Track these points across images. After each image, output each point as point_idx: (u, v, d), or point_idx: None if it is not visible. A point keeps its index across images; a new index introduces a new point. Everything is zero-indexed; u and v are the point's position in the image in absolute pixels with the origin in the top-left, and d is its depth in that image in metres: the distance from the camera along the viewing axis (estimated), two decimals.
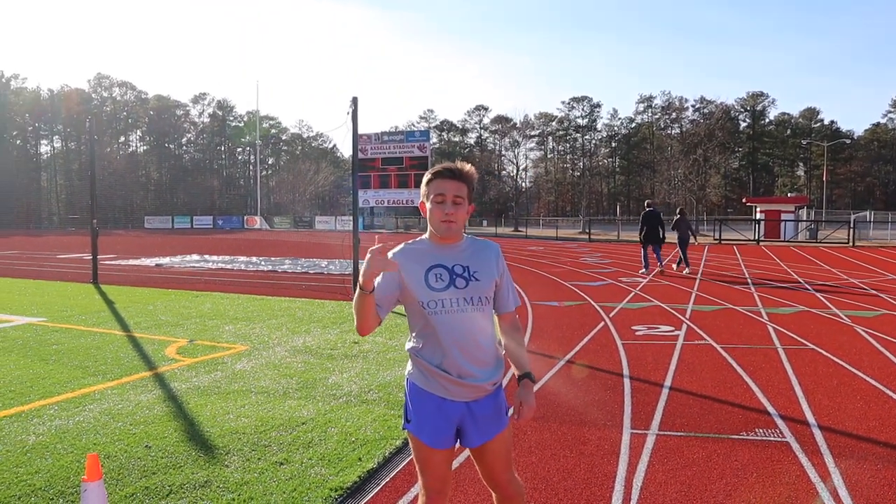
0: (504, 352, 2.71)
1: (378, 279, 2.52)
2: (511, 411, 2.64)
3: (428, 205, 2.55)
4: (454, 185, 2.51)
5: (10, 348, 7.90)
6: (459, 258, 2.57)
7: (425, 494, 2.60)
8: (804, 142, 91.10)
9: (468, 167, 2.58)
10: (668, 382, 6.35)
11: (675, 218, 18.63)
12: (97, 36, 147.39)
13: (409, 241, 2.65)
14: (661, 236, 17.15)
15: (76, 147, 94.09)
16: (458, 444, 2.63)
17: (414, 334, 2.62)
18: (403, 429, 2.66)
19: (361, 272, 2.39)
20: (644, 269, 17.30)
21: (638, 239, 17.75)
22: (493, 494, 2.76)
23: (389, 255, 2.52)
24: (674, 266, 18.30)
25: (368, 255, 2.35)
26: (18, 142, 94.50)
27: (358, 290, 2.46)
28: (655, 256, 17.33)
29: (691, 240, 18.37)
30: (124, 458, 4.37)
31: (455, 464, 4.24)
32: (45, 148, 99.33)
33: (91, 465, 2.70)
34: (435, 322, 2.51)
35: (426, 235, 2.65)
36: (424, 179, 2.59)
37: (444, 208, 2.50)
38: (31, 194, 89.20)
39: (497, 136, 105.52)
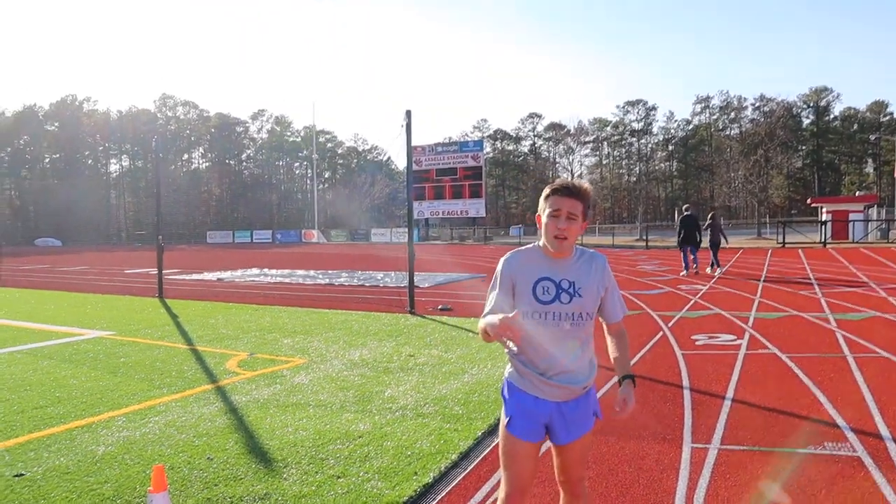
0: (611, 355, 2.91)
1: (497, 292, 2.74)
2: (595, 415, 2.87)
3: (544, 218, 2.71)
4: (570, 201, 2.67)
5: (82, 361, 8.23)
6: (567, 273, 2.73)
7: (505, 491, 2.77)
8: (872, 136, 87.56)
9: (586, 185, 2.72)
10: (729, 394, 6.17)
11: (708, 222, 19.50)
12: (162, 58, 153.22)
13: (523, 248, 2.81)
14: (698, 239, 18.31)
15: (143, 165, 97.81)
16: (545, 441, 2.83)
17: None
18: (501, 416, 2.84)
19: (492, 327, 2.49)
20: (685, 272, 18.34)
21: (676, 242, 19.14)
22: (562, 494, 2.94)
23: (502, 262, 2.77)
24: (707, 269, 18.83)
25: (501, 322, 2.43)
26: (90, 161, 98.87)
27: (483, 327, 2.61)
28: (693, 258, 18.39)
29: (723, 242, 19.35)
30: (187, 470, 4.49)
31: None
32: (114, 167, 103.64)
33: (157, 477, 2.78)
34: (535, 331, 2.67)
35: (539, 244, 2.79)
36: (543, 194, 2.75)
37: (559, 223, 2.66)
38: (101, 211, 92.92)
39: (551, 143, 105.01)
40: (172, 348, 9.06)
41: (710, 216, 19.86)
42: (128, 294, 16.92)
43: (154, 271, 16.82)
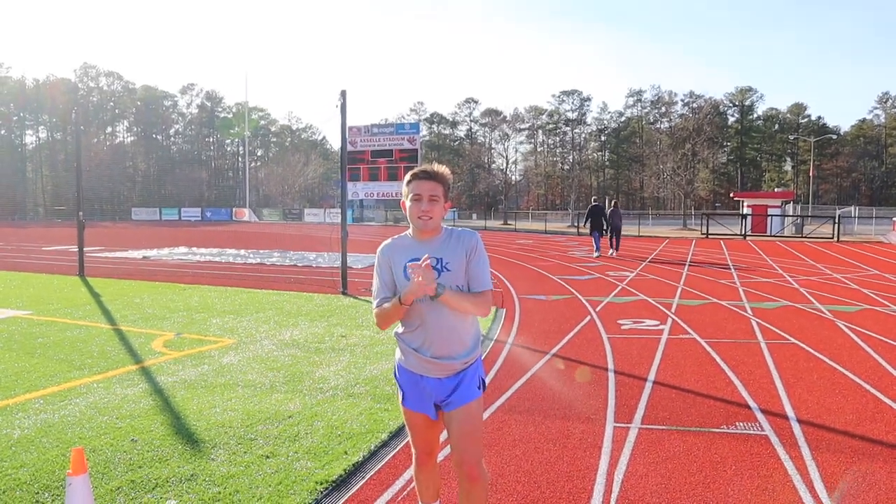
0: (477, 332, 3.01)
1: (380, 277, 2.94)
2: (482, 386, 2.99)
3: (408, 203, 2.85)
4: (430, 185, 2.82)
5: None
6: (435, 251, 2.86)
7: (414, 453, 3.14)
8: (791, 137, 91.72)
9: (442, 169, 2.89)
10: (651, 377, 6.42)
11: (610, 210, 22.19)
12: (83, 25, 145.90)
13: (396, 236, 2.97)
14: (604, 227, 21.34)
15: (62, 138, 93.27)
16: (437, 415, 3.00)
17: (400, 321, 2.94)
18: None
19: (409, 290, 2.71)
20: (597, 253, 21.06)
21: (585, 228, 22.49)
22: (459, 480, 2.94)
23: (378, 252, 2.95)
24: (609, 252, 21.41)
25: (420, 279, 2.63)
26: (2, 132, 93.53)
27: (397, 302, 2.79)
28: (595, 242, 21.40)
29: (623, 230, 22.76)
30: (110, 452, 4.39)
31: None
32: (30, 138, 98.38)
33: (76, 459, 2.72)
34: (412, 310, 2.85)
35: (409, 231, 2.95)
36: (405, 180, 2.90)
37: (421, 206, 2.81)
38: (16, 185, 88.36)
39: (487, 129, 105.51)
40: (94, 328, 8.77)
41: (612, 204, 22.96)
42: (46, 272, 16.23)
43: (74, 248, 16.18)
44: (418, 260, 2.73)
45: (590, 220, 21.30)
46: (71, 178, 66.82)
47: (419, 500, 3.26)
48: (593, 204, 21.85)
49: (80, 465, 2.71)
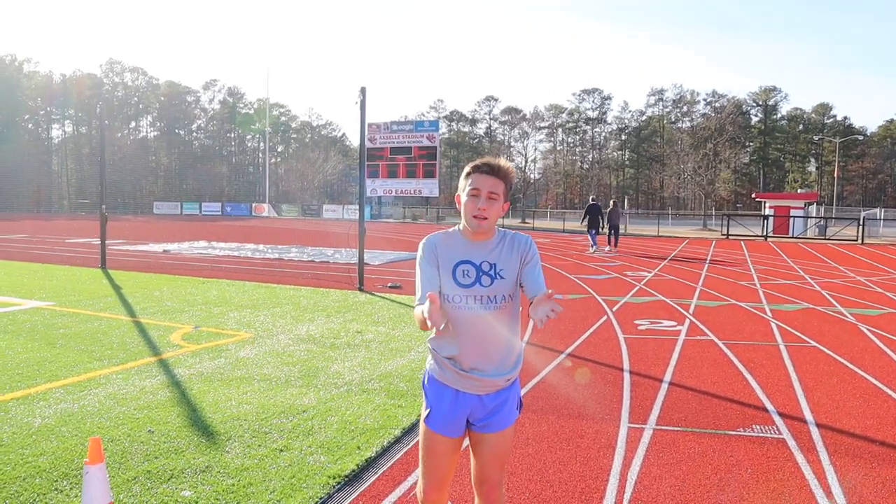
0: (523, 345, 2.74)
1: (425, 270, 2.59)
2: (519, 408, 2.73)
3: (463, 198, 2.58)
4: (491, 181, 2.55)
5: (19, 332, 8.00)
6: (489, 255, 2.59)
7: (423, 483, 2.68)
8: (816, 137, 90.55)
9: (507, 165, 2.60)
10: (667, 377, 6.38)
11: (609, 209, 23.35)
12: (109, 21, 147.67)
13: (443, 232, 2.68)
14: (601, 224, 22.62)
15: (87, 132, 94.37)
16: (465, 437, 2.70)
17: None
18: (424, 421, 2.70)
19: (426, 312, 2.28)
20: (593, 249, 22.23)
21: (583, 225, 23.23)
22: (478, 501, 2.73)
23: (424, 243, 2.62)
24: (605, 248, 22.82)
25: (430, 306, 2.26)
26: (30, 125, 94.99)
27: (419, 317, 2.41)
28: (591, 238, 22.52)
29: (621, 228, 24.76)
30: (127, 443, 4.44)
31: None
32: (56, 132, 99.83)
33: (93, 449, 2.75)
34: (455, 316, 2.55)
35: (460, 227, 2.67)
36: (464, 173, 2.62)
37: (478, 203, 2.53)
38: (42, 178, 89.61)
39: (507, 126, 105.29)
40: (114, 320, 8.88)
41: (612, 203, 24.04)
42: (69, 264, 16.45)
43: (97, 241, 16.37)
44: (470, 263, 2.56)
45: (587, 217, 22.62)
46: (95, 172, 67.72)
47: None
48: (591, 202, 23.19)
49: (97, 454, 2.74)
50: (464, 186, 2.59)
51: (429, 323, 2.24)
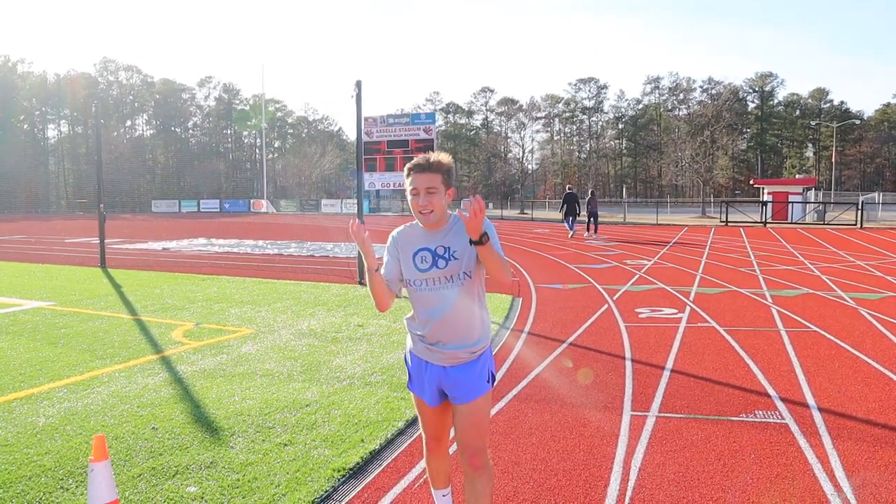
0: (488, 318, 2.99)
1: (386, 258, 2.94)
2: (491, 380, 2.96)
3: (409, 197, 2.82)
4: (426, 177, 2.75)
5: (20, 332, 8.01)
6: (442, 240, 2.83)
7: (424, 439, 3.17)
8: (813, 123, 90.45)
9: (439, 157, 2.80)
10: (669, 365, 6.39)
11: (588, 198, 25.33)
12: (103, 20, 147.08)
13: (407, 225, 2.95)
14: (578, 212, 24.54)
15: (83, 131, 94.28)
16: (441, 403, 2.99)
17: (411, 310, 2.99)
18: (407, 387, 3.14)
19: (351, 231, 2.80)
20: (572, 233, 24.21)
21: (561, 213, 24.96)
22: (464, 470, 2.91)
23: (389, 237, 2.96)
24: (584, 234, 24.52)
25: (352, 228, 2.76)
26: (25, 126, 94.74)
27: (372, 271, 2.85)
28: (568, 225, 24.41)
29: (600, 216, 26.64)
30: (132, 440, 4.45)
31: None
32: (52, 132, 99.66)
33: (98, 446, 2.76)
34: (418, 297, 2.88)
35: (419, 223, 2.89)
36: (404, 173, 2.85)
37: (419, 200, 2.76)
38: (39, 178, 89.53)
39: (503, 118, 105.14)
40: (116, 318, 8.88)
41: (590, 192, 26.13)
42: (69, 264, 16.44)
43: (96, 240, 16.37)
44: (427, 250, 2.82)
45: (565, 206, 24.46)
46: (92, 171, 67.59)
47: (431, 485, 3.29)
48: (567, 192, 25.20)
49: (101, 451, 2.74)
50: (406, 186, 2.82)
51: (353, 238, 2.81)
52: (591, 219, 24.68)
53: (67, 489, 3.74)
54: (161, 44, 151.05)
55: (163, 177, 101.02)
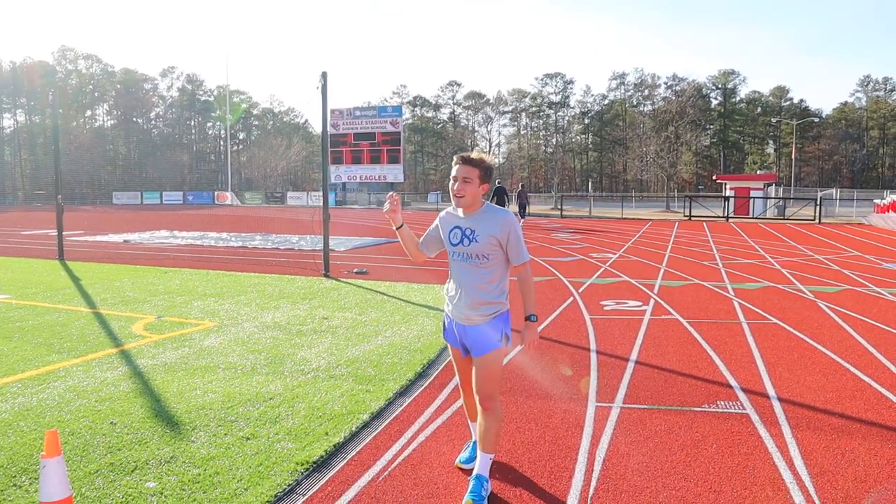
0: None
1: (431, 227, 3.75)
2: (504, 339, 3.54)
3: (450, 183, 3.51)
4: (466, 168, 3.45)
5: None
6: (471, 223, 3.52)
7: (459, 382, 3.87)
8: (774, 120, 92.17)
9: (481, 155, 3.50)
10: (634, 356, 6.45)
11: (518, 191, 29.37)
12: (61, 7, 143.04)
13: (451, 208, 3.66)
14: (507, 203, 25.49)
15: (41, 121, 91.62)
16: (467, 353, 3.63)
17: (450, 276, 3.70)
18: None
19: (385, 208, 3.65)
20: None
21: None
22: (478, 410, 3.58)
23: (441, 213, 3.73)
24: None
25: (388, 203, 3.59)
26: None
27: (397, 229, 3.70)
28: None
29: (527, 209, 29.98)
30: (89, 435, 4.33)
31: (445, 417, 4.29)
32: (8, 122, 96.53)
33: (50, 442, 2.67)
34: (451, 266, 3.64)
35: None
36: (453, 162, 3.54)
37: (456, 186, 3.47)
38: None
39: (470, 112, 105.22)
40: (73, 312, 8.66)
41: (520, 186, 30.62)
42: (25, 256, 16.01)
43: (54, 232, 15.95)
44: (458, 228, 3.54)
45: (494, 198, 25.28)
46: (50, 162, 65.83)
47: (468, 419, 3.98)
48: (497, 185, 26.23)
49: (54, 447, 2.66)
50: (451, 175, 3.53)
51: (385, 214, 3.65)
52: (521, 210, 28.47)
53: (20, 486, 3.62)
54: (122, 33, 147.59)
55: (124, 168, 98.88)
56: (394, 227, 3.69)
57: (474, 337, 3.51)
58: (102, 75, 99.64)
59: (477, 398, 3.54)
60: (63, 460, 2.73)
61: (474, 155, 3.48)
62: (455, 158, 3.51)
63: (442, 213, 3.71)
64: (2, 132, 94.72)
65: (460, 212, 3.57)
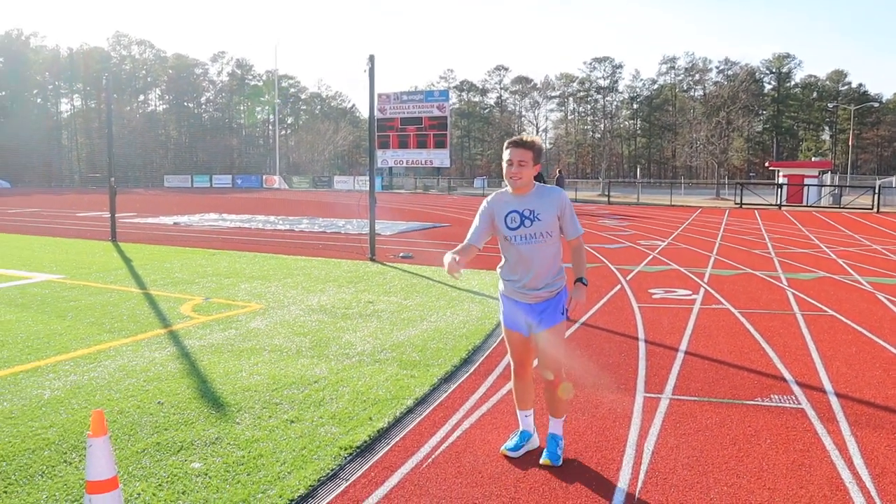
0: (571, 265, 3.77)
1: (476, 223, 3.72)
2: (564, 312, 3.69)
3: (504, 166, 3.62)
4: (519, 152, 3.57)
5: (29, 304, 7.99)
6: (528, 204, 3.63)
7: (512, 366, 3.93)
8: (830, 105, 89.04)
9: (532, 138, 3.62)
10: (683, 346, 6.28)
11: (556, 176, 28.50)
12: None
13: (499, 191, 3.76)
14: None
15: (96, 106, 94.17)
16: (529, 333, 3.72)
17: (502, 260, 3.78)
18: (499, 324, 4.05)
19: (446, 262, 3.39)
20: None
21: None
22: (544, 384, 3.82)
23: (484, 202, 3.75)
24: None
25: (448, 263, 3.37)
26: (39, 100, 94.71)
27: (461, 253, 3.53)
28: None
29: None
30: (137, 415, 4.40)
31: (490, 404, 4.25)
32: (65, 107, 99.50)
33: (96, 421, 2.69)
34: (510, 249, 3.67)
35: (509, 188, 3.68)
36: (504, 147, 3.64)
37: (511, 169, 3.58)
38: (52, 153, 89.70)
39: (517, 96, 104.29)
40: (124, 292, 8.85)
41: (557, 171, 30.22)
42: (79, 237, 16.46)
43: (107, 214, 16.36)
44: (516, 212, 3.60)
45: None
46: (104, 146, 67.75)
47: (516, 407, 3.99)
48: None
49: (100, 427, 2.68)
50: (504, 157, 3.62)
51: (446, 269, 3.37)
52: None
53: (70, 463, 3.69)
54: (174, 18, 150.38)
55: (175, 152, 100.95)
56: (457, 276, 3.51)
57: (543, 312, 3.66)
58: (155, 60, 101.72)
59: (545, 371, 3.75)
60: (109, 440, 2.74)
61: (527, 138, 3.60)
62: (507, 143, 3.60)
63: (488, 201, 3.72)
64: (59, 117, 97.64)
65: (511, 195, 3.65)
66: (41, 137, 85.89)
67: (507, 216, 3.62)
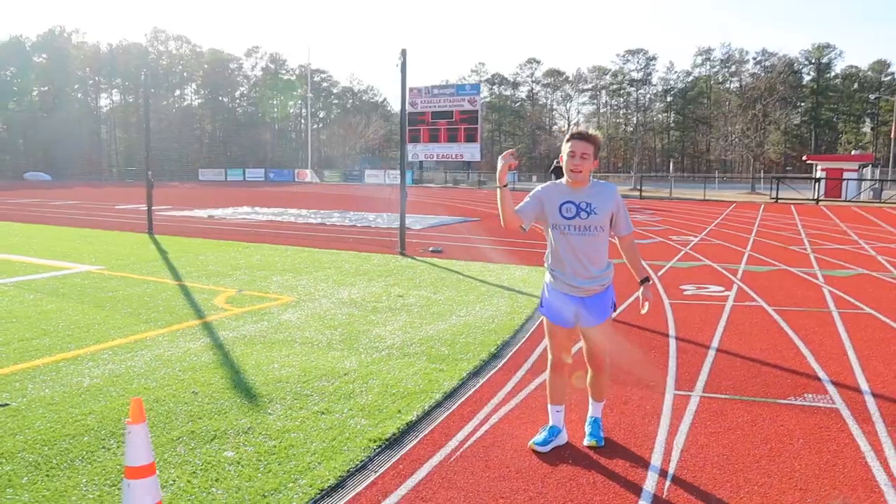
0: (628, 265, 3.97)
1: (527, 200, 3.72)
2: (612, 307, 3.88)
3: (565, 157, 3.64)
4: (583, 144, 3.59)
5: (69, 294, 8.20)
6: (585, 197, 3.66)
7: (550, 358, 3.95)
8: (872, 96, 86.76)
9: (595, 132, 3.66)
10: (715, 344, 6.21)
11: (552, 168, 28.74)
12: None
13: (549, 183, 3.80)
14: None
15: (134, 101, 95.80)
16: (574, 325, 3.81)
17: (548, 252, 3.84)
18: (537, 311, 4.17)
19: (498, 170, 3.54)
20: None
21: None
22: (589, 371, 3.98)
23: (534, 191, 3.78)
24: None
25: (501, 158, 3.49)
26: (80, 95, 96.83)
27: (500, 188, 3.58)
28: None
29: None
30: (172, 403, 4.50)
31: (518, 400, 4.26)
32: (104, 101, 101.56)
33: (135, 409, 2.76)
34: (561, 240, 3.70)
35: (564, 179, 3.72)
36: (565, 139, 3.68)
37: (574, 161, 3.60)
38: (92, 147, 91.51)
39: (549, 89, 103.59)
40: (161, 284, 9.03)
41: (556, 162, 28.97)
42: (118, 230, 16.82)
43: (144, 207, 16.68)
44: (571, 203, 3.65)
45: (553, 176, 28.17)
46: (142, 140, 68.93)
47: (549, 401, 3.99)
48: (556, 164, 29.86)
49: (138, 414, 2.75)
50: (565, 149, 3.64)
51: (501, 160, 3.50)
52: None
53: (109, 449, 3.80)
54: (209, 13, 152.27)
55: (210, 146, 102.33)
56: (499, 185, 3.58)
57: (593, 306, 3.74)
58: (191, 56, 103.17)
59: (592, 362, 3.91)
60: (147, 427, 2.82)
61: (591, 131, 3.66)
62: (570, 134, 3.64)
63: (541, 189, 3.76)
64: (99, 111, 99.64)
65: (567, 187, 3.69)
66: (81, 132, 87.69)
67: (562, 205, 3.66)
